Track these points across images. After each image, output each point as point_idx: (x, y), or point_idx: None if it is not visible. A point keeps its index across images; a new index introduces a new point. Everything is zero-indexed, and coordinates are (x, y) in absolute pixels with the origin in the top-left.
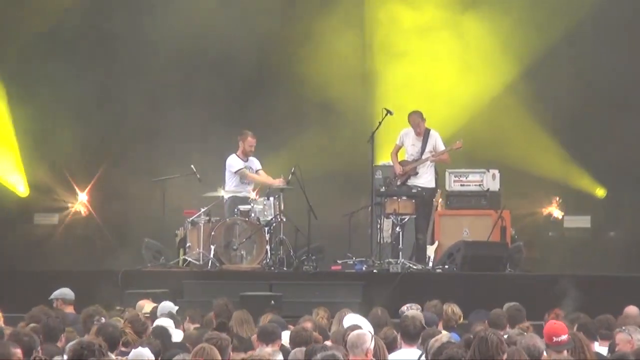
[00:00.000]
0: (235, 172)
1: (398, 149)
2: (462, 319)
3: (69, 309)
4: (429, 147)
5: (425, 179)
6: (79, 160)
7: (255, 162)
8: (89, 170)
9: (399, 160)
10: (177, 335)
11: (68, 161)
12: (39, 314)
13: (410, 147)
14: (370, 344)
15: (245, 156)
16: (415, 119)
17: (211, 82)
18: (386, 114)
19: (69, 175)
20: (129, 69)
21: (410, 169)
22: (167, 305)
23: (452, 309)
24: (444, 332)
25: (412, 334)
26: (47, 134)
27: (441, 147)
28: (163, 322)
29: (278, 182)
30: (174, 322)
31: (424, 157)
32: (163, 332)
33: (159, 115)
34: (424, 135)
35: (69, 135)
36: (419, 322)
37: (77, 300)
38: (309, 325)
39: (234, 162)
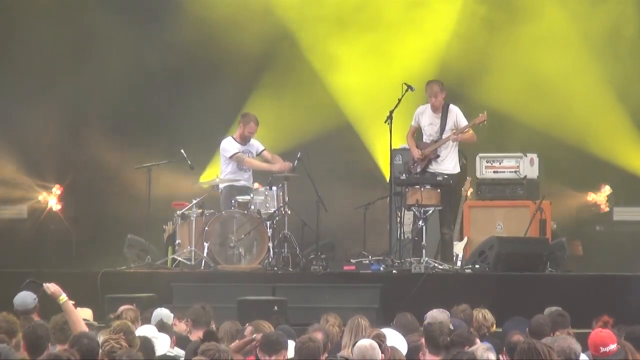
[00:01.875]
0: (230, 158)
1: (414, 130)
2: (494, 326)
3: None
4: (449, 125)
5: (448, 163)
6: (51, 145)
7: (255, 144)
8: (64, 156)
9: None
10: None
11: (39, 145)
12: (0, 322)
13: (428, 127)
14: (379, 357)
15: (242, 140)
16: (434, 87)
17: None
18: (407, 90)
19: (40, 161)
20: (118, 49)
21: (430, 151)
22: (161, 313)
23: (484, 314)
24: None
25: (439, 342)
26: (16, 116)
27: (463, 123)
28: (148, 331)
29: (280, 167)
30: (168, 334)
31: (444, 136)
32: (146, 344)
33: (146, 98)
34: (442, 111)
35: (42, 117)
36: (447, 328)
37: (47, 306)
38: (319, 335)
39: (228, 146)
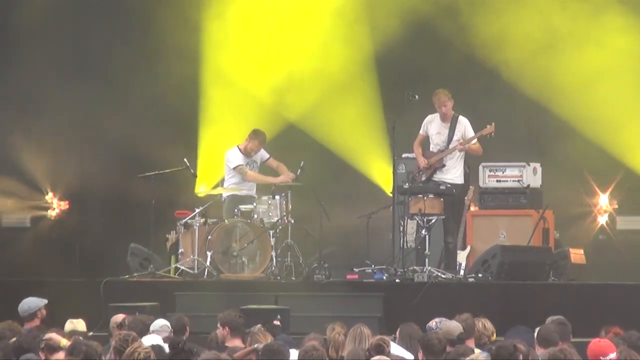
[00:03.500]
0: (234, 169)
1: (422, 138)
2: (495, 335)
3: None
4: (456, 136)
5: (453, 173)
6: (54, 153)
7: (260, 154)
8: (67, 164)
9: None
10: None
11: (43, 154)
12: (4, 330)
13: (436, 136)
14: None
15: (247, 153)
16: (442, 97)
17: None
18: (410, 99)
19: (45, 169)
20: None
21: (436, 161)
22: (159, 323)
23: (484, 323)
24: (478, 351)
25: (436, 350)
26: (20, 124)
27: (471, 135)
28: (153, 340)
29: (283, 179)
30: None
31: (451, 146)
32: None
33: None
34: (451, 121)
35: (47, 126)
36: (442, 336)
37: (51, 315)
38: (315, 344)
39: (232, 157)
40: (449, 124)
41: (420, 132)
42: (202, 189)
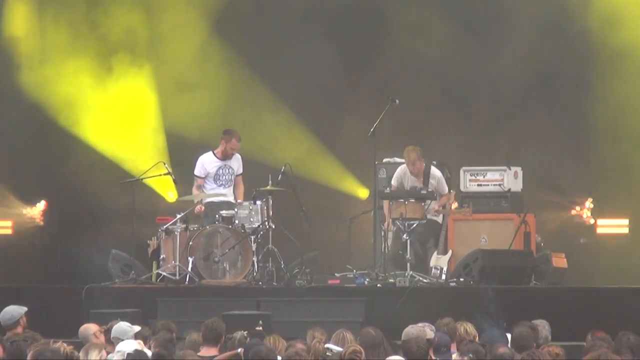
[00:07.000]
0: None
1: (394, 190)
2: (477, 339)
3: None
4: (430, 188)
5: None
6: (35, 160)
7: (237, 163)
8: (48, 171)
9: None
10: None
11: (23, 161)
12: None
13: (411, 190)
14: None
15: (223, 156)
16: (411, 156)
17: None
18: (390, 104)
19: (23, 176)
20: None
21: None
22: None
23: (465, 327)
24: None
25: (417, 356)
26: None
27: (443, 189)
28: (132, 345)
29: (197, 209)
30: None
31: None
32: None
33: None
34: (424, 175)
35: (25, 132)
36: (422, 342)
37: (33, 322)
38: (298, 349)
39: (199, 164)
40: (422, 177)
41: (393, 183)
42: (170, 195)
